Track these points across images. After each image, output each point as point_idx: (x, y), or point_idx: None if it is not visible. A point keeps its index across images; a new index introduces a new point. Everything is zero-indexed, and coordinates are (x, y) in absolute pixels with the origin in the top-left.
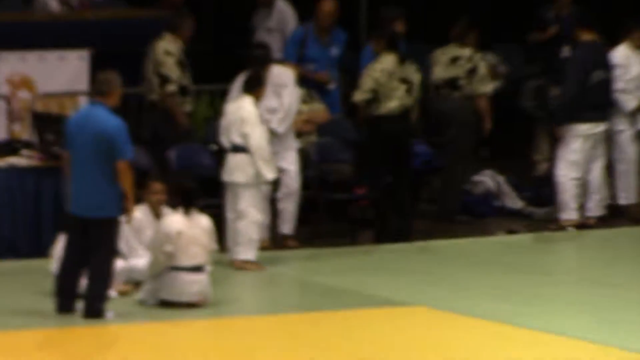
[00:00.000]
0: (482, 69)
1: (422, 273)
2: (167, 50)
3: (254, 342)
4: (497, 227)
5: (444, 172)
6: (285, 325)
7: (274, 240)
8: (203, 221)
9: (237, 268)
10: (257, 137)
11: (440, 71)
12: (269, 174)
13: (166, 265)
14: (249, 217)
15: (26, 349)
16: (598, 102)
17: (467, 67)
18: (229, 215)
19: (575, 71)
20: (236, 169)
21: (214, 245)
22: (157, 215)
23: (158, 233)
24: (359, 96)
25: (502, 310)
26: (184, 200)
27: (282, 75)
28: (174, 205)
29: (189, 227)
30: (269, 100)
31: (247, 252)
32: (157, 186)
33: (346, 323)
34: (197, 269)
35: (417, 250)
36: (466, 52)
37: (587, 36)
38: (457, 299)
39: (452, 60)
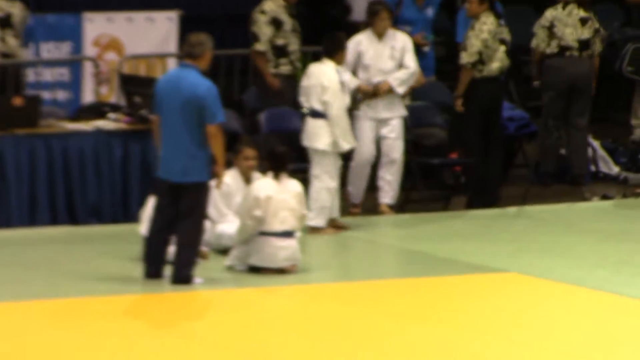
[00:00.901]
0: (602, 29)
1: (515, 239)
2: (262, 9)
3: (343, 308)
4: (591, 192)
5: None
6: (375, 292)
7: (369, 208)
8: (293, 186)
9: (308, 233)
10: (337, 106)
11: (572, 32)
12: (346, 144)
13: (255, 231)
14: (321, 183)
15: (113, 315)
16: None
17: (594, 27)
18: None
19: None
20: (314, 135)
21: (304, 211)
22: (247, 180)
23: (247, 198)
24: (466, 58)
25: (595, 276)
26: (275, 165)
27: (400, 38)
28: (264, 169)
29: (278, 192)
30: (384, 62)
31: (317, 218)
32: (249, 152)
33: (437, 290)
34: (286, 234)
35: (511, 216)
36: (589, 13)
37: None
38: (550, 265)
39: (582, 22)
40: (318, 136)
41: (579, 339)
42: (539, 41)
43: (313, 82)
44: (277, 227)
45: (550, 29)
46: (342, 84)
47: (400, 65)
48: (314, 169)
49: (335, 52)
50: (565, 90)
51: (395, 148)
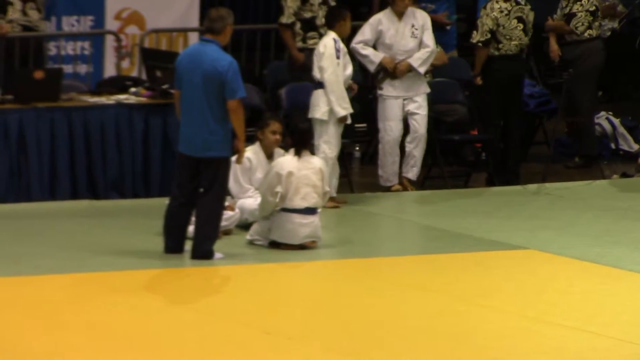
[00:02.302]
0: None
1: (534, 216)
2: None
3: (363, 284)
4: (611, 170)
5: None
6: (394, 268)
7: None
8: (315, 162)
9: None
10: (332, 71)
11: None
12: (341, 110)
13: (277, 207)
14: (321, 153)
15: (133, 289)
16: None
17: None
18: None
19: None
20: (313, 105)
21: (326, 187)
22: (269, 156)
23: (269, 174)
24: (477, 37)
25: (613, 254)
26: (297, 142)
27: (419, 17)
28: (286, 146)
29: (300, 169)
30: (406, 41)
31: None
32: (276, 125)
33: (456, 266)
34: (308, 210)
35: (530, 193)
36: None
37: None
38: (569, 242)
39: None
40: (316, 106)
41: (597, 315)
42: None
43: (314, 54)
44: (299, 203)
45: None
46: (339, 51)
47: (420, 44)
48: (315, 139)
49: (335, 23)
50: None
51: (423, 124)
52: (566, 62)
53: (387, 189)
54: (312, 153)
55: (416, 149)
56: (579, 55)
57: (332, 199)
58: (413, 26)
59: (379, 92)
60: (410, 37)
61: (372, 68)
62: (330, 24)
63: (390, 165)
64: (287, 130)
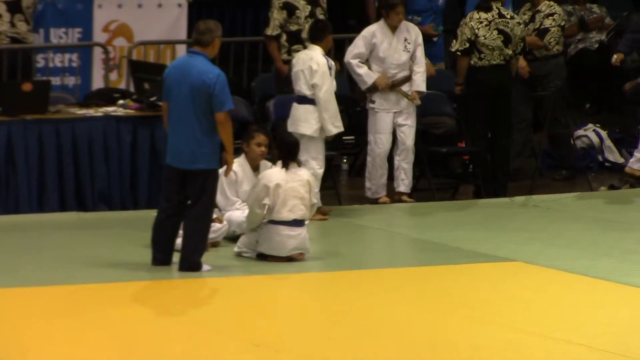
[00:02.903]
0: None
1: (522, 228)
2: None
3: (350, 296)
4: (598, 182)
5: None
6: (383, 280)
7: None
8: (302, 174)
9: None
10: (326, 89)
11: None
12: (334, 128)
13: (264, 219)
14: (309, 169)
15: (121, 301)
16: None
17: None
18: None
19: None
20: (301, 120)
21: (314, 199)
22: (255, 168)
23: (256, 186)
24: (455, 46)
25: (601, 266)
26: (285, 154)
27: (412, 31)
28: (274, 158)
29: (287, 181)
30: (399, 55)
31: None
32: (262, 138)
33: (444, 278)
34: (296, 223)
35: (518, 206)
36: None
37: None
38: (556, 254)
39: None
40: (306, 121)
41: (585, 327)
42: None
43: (298, 69)
44: (286, 215)
45: None
46: (330, 68)
47: (411, 57)
48: (301, 154)
49: (321, 37)
50: None
51: (410, 136)
52: (537, 78)
53: (375, 201)
54: (300, 165)
55: (404, 162)
56: (549, 70)
57: (319, 209)
58: (406, 40)
59: (370, 105)
60: (403, 51)
61: (363, 87)
62: (317, 38)
63: (379, 178)
64: (275, 143)
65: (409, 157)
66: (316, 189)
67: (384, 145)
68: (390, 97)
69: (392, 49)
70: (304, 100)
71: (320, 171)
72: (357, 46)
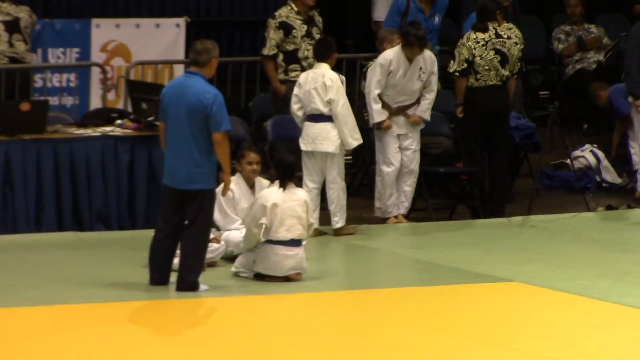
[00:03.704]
0: None
1: (520, 249)
2: (274, 14)
3: (347, 316)
4: (596, 203)
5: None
6: (379, 300)
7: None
8: (300, 194)
9: (335, 235)
10: (342, 104)
11: None
12: (354, 141)
13: (262, 239)
14: (338, 185)
15: (118, 321)
16: None
17: None
18: (311, 185)
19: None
20: (321, 138)
21: (311, 219)
22: (251, 186)
23: (254, 206)
24: (453, 67)
25: (599, 287)
26: (282, 174)
27: (429, 60)
28: (271, 178)
29: (284, 200)
30: (413, 83)
31: (341, 220)
32: (253, 156)
33: (441, 298)
34: (293, 242)
35: (515, 226)
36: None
37: None
38: (554, 275)
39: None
40: (326, 139)
41: (582, 347)
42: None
43: (310, 87)
44: (284, 235)
45: None
46: (342, 83)
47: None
48: (329, 173)
49: (327, 55)
50: None
51: (415, 160)
52: None
53: (383, 221)
54: (298, 185)
55: (406, 184)
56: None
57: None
58: (421, 69)
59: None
60: (417, 80)
61: (370, 122)
62: (323, 56)
63: (388, 198)
64: (272, 163)
65: (411, 181)
66: (344, 201)
67: (392, 165)
68: (397, 120)
69: (407, 78)
70: (320, 118)
71: (344, 183)
72: (376, 74)
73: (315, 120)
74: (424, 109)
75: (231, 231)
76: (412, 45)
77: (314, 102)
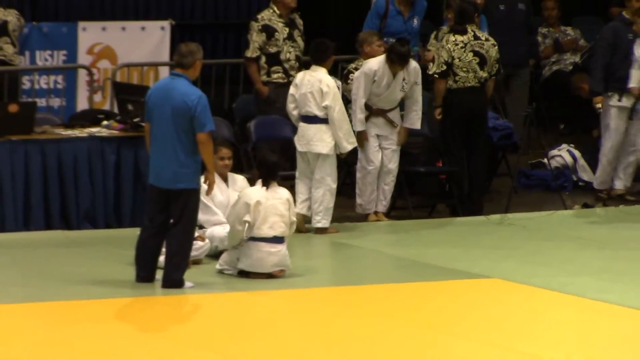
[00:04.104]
0: None
1: (498, 246)
2: (256, 16)
3: (330, 312)
4: (572, 201)
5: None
6: (361, 296)
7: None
8: (282, 193)
9: (315, 234)
10: (338, 109)
11: None
12: (348, 145)
13: (245, 236)
14: (325, 186)
15: (105, 317)
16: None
17: None
18: (304, 183)
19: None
20: (315, 140)
21: (293, 217)
22: (224, 179)
23: (237, 203)
24: (433, 69)
25: (576, 283)
26: (265, 174)
27: (412, 72)
28: (255, 177)
29: (267, 198)
30: (395, 94)
31: (323, 220)
32: (225, 152)
33: (421, 294)
34: (276, 239)
35: (493, 224)
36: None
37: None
38: (532, 272)
39: None
40: (320, 141)
41: (561, 343)
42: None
43: (306, 90)
44: (267, 232)
45: None
46: (339, 87)
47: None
48: (317, 173)
49: (325, 58)
50: None
51: (393, 159)
52: None
53: (364, 218)
54: (279, 185)
55: (384, 183)
56: None
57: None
58: (404, 80)
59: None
60: (399, 91)
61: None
62: (320, 59)
63: (369, 195)
64: (255, 163)
65: (389, 179)
66: (331, 203)
67: (373, 163)
68: (377, 121)
69: (390, 89)
70: (315, 119)
71: (334, 186)
72: (361, 83)
73: (310, 122)
74: (414, 121)
75: (215, 227)
76: (393, 62)
77: (309, 105)
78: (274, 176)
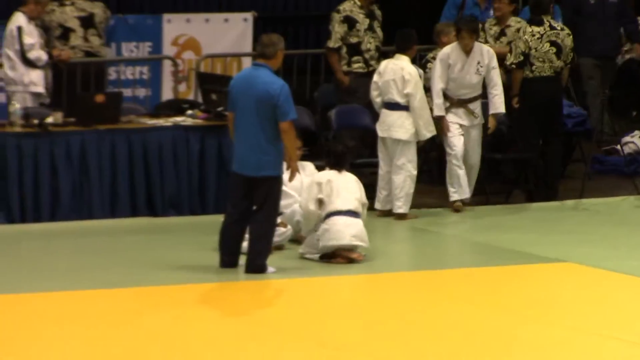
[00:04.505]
0: None
1: (573, 231)
2: (338, 8)
3: (410, 296)
4: None
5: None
6: (440, 281)
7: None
8: (351, 176)
9: (395, 220)
10: (419, 97)
11: None
12: (428, 133)
13: (320, 215)
14: (406, 172)
15: (188, 302)
16: None
17: None
18: (385, 168)
19: None
20: (396, 126)
21: (365, 199)
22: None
23: (309, 186)
24: (511, 59)
25: None
26: (333, 163)
27: (486, 55)
28: (325, 166)
29: (338, 177)
30: (471, 77)
31: (404, 206)
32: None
33: (497, 278)
34: (351, 213)
35: (568, 209)
36: None
37: None
38: (606, 256)
39: None
40: (401, 127)
41: (633, 324)
42: None
43: (389, 78)
44: (341, 205)
45: None
46: (421, 76)
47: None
48: (398, 159)
49: (408, 47)
50: None
51: (475, 154)
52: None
53: (442, 206)
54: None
55: (468, 175)
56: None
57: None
58: (479, 63)
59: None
60: (475, 74)
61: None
62: (403, 48)
63: (463, 179)
64: (324, 152)
65: (471, 174)
66: (412, 189)
67: (456, 147)
68: (458, 112)
69: (464, 72)
70: (396, 106)
71: (415, 172)
72: (437, 69)
73: (392, 109)
74: (497, 105)
75: (294, 205)
76: (460, 32)
77: (391, 92)
78: (342, 165)
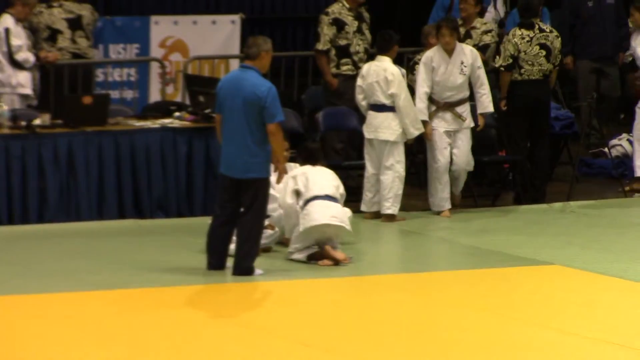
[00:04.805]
0: None
1: (560, 233)
2: (326, 10)
3: (397, 299)
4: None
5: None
6: (426, 283)
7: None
8: (327, 169)
9: (383, 221)
10: (404, 97)
11: None
12: (415, 131)
13: (298, 209)
14: (394, 172)
15: (176, 304)
16: None
17: None
18: (371, 170)
19: None
20: (383, 127)
21: (342, 190)
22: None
23: (285, 181)
24: (499, 62)
25: (636, 269)
26: (306, 158)
27: (469, 54)
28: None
29: (312, 169)
30: (455, 78)
31: (393, 207)
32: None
33: (486, 281)
34: (329, 197)
35: (556, 211)
36: None
37: None
38: (593, 258)
39: None
40: (388, 128)
41: (620, 327)
42: None
43: (372, 80)
44: (319, 191)
45: None
46: (403, 76)
47: (471, 79)
48: (386, 160)
49: (389, 48)
50: None
51: (463, 157)
52: None
53: (438, 214)
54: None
55: (452, 185)
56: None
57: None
58: (462, 63)
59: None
60: (459, 74)
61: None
62: (384, 49)
63: (440, 192)
64: (297, 151)
65: (460, 178)
66: (400, 190)
67: (439, 161)
68: (446, 116)
69: (448, 73)
70: (383, 108)
71: (404, 173)
72: (421, 73)
73: (378, 110)
74: (485, 105)
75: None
76: (440, 29)
77: (377, 94)
78: (314, 159)
